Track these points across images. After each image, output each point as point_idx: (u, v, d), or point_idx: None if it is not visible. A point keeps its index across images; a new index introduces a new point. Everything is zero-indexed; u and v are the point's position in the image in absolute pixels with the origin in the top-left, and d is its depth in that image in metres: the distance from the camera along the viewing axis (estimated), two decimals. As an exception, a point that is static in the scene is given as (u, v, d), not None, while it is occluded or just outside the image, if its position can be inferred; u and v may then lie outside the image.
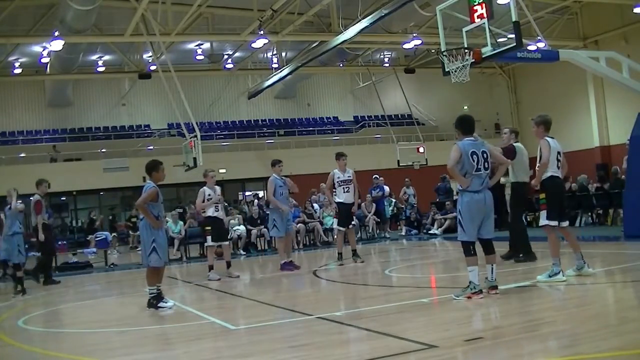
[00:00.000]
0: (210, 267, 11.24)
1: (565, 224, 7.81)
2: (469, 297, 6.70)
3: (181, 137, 23.64)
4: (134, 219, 21.08)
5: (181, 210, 20.81)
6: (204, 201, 11.13)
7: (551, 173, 7.63)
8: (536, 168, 7.77)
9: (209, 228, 11.24)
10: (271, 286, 10.40)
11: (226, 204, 11.58)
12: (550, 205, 7.56)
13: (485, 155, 6.89)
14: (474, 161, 6.79)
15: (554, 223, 7.62)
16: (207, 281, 10.94)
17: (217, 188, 11.29)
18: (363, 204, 19.21)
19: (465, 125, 7.03)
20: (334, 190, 12.10)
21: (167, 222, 16.80)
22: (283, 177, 11.91)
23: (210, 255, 11.44)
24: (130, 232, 22.63)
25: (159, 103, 31.78)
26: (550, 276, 7.51)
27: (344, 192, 11.90)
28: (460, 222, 6.91)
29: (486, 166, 6.89)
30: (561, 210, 7.71)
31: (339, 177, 11.84)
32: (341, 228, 12.14)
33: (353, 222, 12.49)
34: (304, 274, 11.32)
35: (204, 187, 11.22)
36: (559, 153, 7.74)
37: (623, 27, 25.63)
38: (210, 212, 11.18)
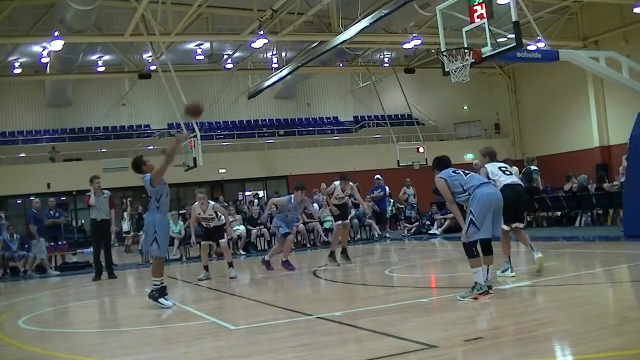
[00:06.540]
0: (205, 267, 11.33)
1: (521, 225, 8.44)
2: (476, 298, 6.64)
3: (181, 137, 23.60)
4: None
5: (183, 211, 20.79)
6: (196, 218, 11.32)
7: (504, 182, 8.04)
8: None
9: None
10: (271, 286, 10.40)
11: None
12: (505, 210, 7.62)
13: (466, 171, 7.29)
14: (458, 173, 7.02)
15: (506, 227, 8.10)
16: (205, 280, 11.11)
17: (210, 207, 11.10)
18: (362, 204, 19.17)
19: (441, 164, 7.26)
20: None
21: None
22: (306, 198, 11.94)
23: (203, 255, 11.48)
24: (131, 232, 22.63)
25: (159, 103, 31.81)
26: (503, 271, 8.13)
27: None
28: (473, 221, 6.69)
29: (474, 170, 7.35)
30: (514, 213, 8.10)
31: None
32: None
33: (345, 222, 12.46)
34: (304, 274, 11.33)
35: (195, 204, 11.27)
36: (502, 167, 8.32)
37: (623, 27, 25.63)
38: (204, 223, 11.37)
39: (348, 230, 12.50)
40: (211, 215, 11.17)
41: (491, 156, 8.52)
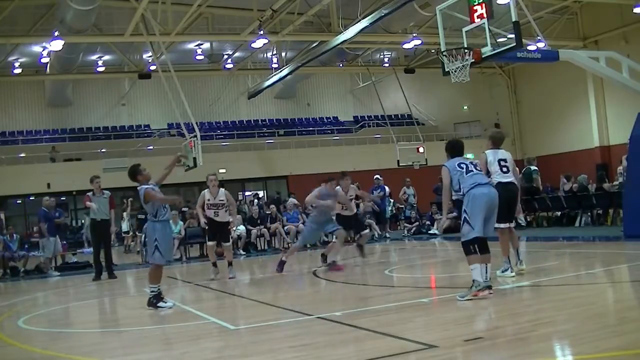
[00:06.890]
0: (213, 264, 11.35)
1: (512, 224, 8.43)
2: (475, 295, 6.65)
3: (181, 137, 23.65)
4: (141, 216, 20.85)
5: (185, 209, 20.78)
6: (203, 204, 11.18)
7: (498, 180, 8.06)
8: None
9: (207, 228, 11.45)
10: (271, 286, 10.40)
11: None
12: (499, 209, 7.53)
13: (474, 163, 7.25)
14: (462, 169, 6.98)
15: (505, 225, 8.13)
16: (210, 280, 11.06)
17: (221, 192, 11.12)
18: (362, 204, 19.16)
19: (453, 152, 7.25)
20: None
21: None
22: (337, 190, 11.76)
23: (210, 254, 11.55)
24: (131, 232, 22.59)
25: (159, 103, 31.82)
26: (503, 272, 8.13)
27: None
28: (467, 220, 6.77)
29: (478, 168, 7.18)
30: (509, 212, 8.16)
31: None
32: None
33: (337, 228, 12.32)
34: (304, 274, 11.33)
35: (204, 191, 11.26)
36: (502, 161, 8.26)
37: (623, 27, 25.62)
38: (210, 214, 11.19)
39: (366, 236, 12.61)
40: (222, 200, 11.03)
41: (494, 142, 8.45)
